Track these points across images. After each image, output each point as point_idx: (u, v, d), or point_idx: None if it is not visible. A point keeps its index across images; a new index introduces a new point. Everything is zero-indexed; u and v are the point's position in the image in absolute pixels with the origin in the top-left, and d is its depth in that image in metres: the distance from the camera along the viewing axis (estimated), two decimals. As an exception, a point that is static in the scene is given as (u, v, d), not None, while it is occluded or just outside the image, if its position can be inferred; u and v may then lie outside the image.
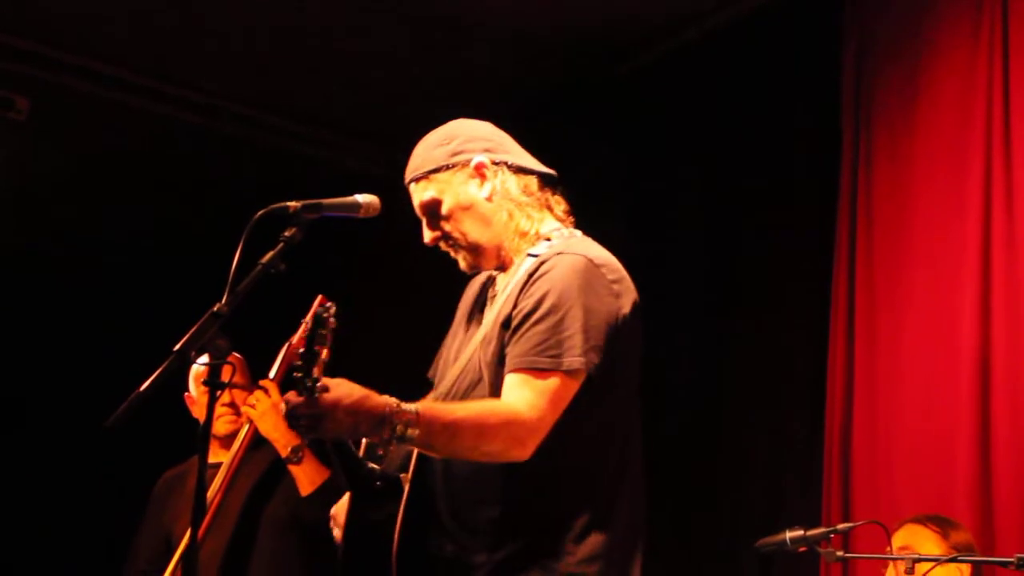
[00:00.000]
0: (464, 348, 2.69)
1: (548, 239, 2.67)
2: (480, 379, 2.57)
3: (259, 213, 2.47)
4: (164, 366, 2.27)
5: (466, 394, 2.59)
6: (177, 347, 2.28)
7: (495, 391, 2.51)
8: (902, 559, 3.28)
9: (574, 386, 2.47)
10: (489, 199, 2.69)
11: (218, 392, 2.34)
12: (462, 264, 2.75)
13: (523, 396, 2.43)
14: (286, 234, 2.48)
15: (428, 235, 2.76)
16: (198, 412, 4.04)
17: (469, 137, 2.75)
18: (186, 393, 4.09)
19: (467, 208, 2.70)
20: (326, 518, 2.77)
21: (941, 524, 3.53)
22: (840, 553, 3.36)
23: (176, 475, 4.15)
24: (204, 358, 2.34)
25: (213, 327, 2.31)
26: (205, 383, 2.34)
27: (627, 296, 2.60)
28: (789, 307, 4.83)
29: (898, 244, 4.39)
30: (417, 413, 2.34)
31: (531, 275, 2.56)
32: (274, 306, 3.51)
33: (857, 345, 4.41)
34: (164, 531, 4.01)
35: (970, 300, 4.08)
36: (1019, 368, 3.96)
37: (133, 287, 7.40)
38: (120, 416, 2.25)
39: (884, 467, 4.26)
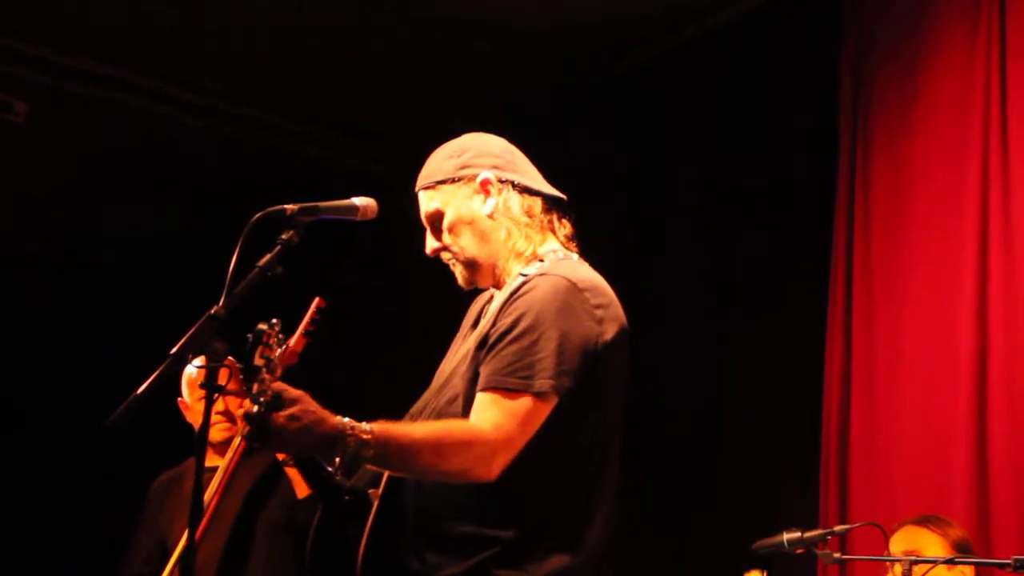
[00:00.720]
0: (449, 363, 2.69)
1: (542, 260, 2.65)
2: (457, 396, 2.55)
3: (256, 216, 2.46)
4: (161, 369, 2.26)
5: (443, 410, 2.57)
6: (174, 350, 2.28)
7: (469, 408, 2.49)
8: (900, 560, 3.28)
9: (544, 409, 2.43)
10: (491, 216, 2.67)
11: (215, 395, 2.34)
12: (459, 279, 2.74)
13: (489, 416, 2.41)
14: (283, 237, 2.47)
15: (430, 246, 2.75)
16: (191, 417, 4.03)
17: (480, 152, 2.73)
18: (179, 398, 4.08)
19: (468, 223, 2.68)
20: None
21: (940, 525, 3.54)
22: (837, 555, 3.37)
23: (172, 477, 4.14)
24: (199, 361, 2.33)
25: (210, 330, 2.31)
26: (202, 386, 2.33)
27: (611, 321, 2.55)
28: (789, 307, 4.83)
29: (896, 243, 4.39)
30: (372, 433, 2.30)
31: (512, 294, 2.54)
32: (271, 309, 3.51)
33: (855, 344, 4.41)
34: (160, 533, 4.00)
35: (968, 299, 4.09)
36: (1017, 367, 3.96)
37: (132, 288, 7.41)
38: (119, 417, 2.25)
39: (882, 467, 4.26)
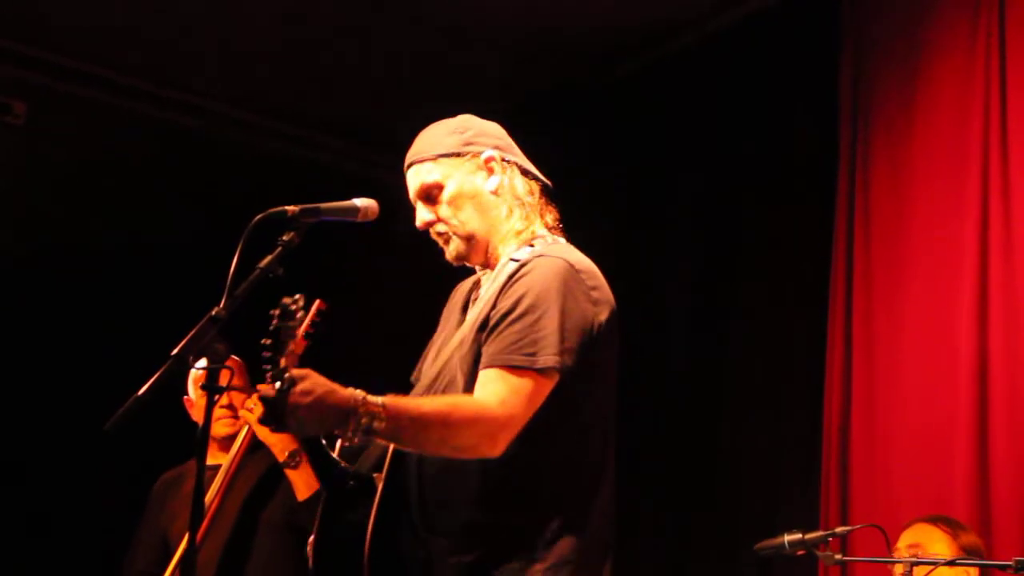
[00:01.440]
0: (444, 349, 2.70)
1: (532, 245, 2.68)
2: (455, 380, 2.57)
3: (257, 217, 2.47)
4: (162, 370, 2.27)
5: (442, 394, 2.59)
6: (175, 351, 2.29)
7: (468, 392, 2.51)
8: (901, 562, 3.28)
9: (547, 386, 2.47)
10: (495, 193, 2.72)
11: (216, 396, 2.34)
12: (449, 254, 2.76)
13: (494, 391, 2.44)
14: (284, 238, 2.49)
15: (421, 219, 2.77)
16: (197, 415, 4.04)
17: (482, 131, 2.79)
18: (185, 396, 4.10)
19: (471, 197, 2.71)
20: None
21: (952, 526, 3.53)
22: (838, 556, 3.36)
23: (174, 477, 4.15)
24: (202, 362, 2.34)
25: (211, 331, 2.31)
26: (203, 387, 2.35)
27: (604, 303, 2.61)
28: (789, 307, 4.84)
29: (896, 244, 4.39)
30: (383, 406, 2.33)
31: (511, 277, 2.58)
32: (272, 310, 3.51)
33: (855, 345, 4.42)
34: (162, 533, 4.01)
35: (968, 299, 4.09)
36: (1017, 368, 3.97)
37: (132, 289, 7.40)
38: (119, 419, 2.25)
39: (882, 467, 4.26)
